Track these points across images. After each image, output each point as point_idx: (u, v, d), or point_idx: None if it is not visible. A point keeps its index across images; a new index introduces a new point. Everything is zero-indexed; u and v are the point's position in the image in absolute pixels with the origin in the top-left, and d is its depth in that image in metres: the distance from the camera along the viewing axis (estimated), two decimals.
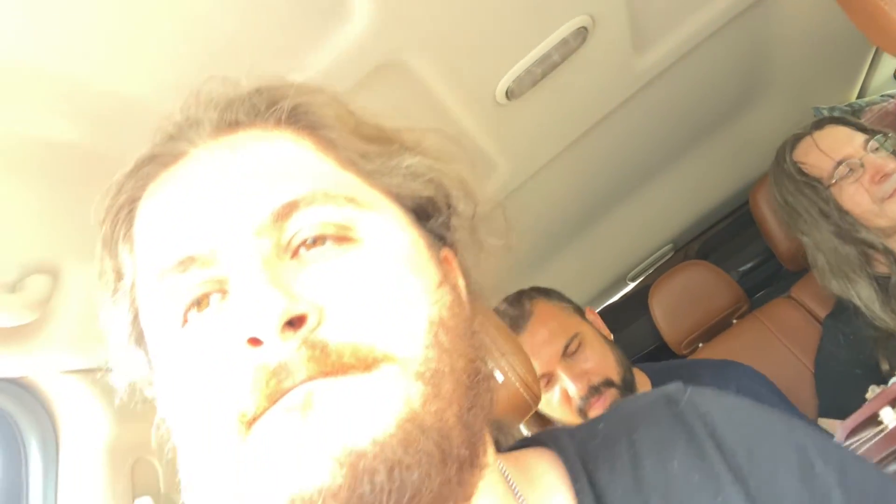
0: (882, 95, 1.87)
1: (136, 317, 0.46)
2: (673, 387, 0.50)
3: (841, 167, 1.35)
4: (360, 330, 0.38)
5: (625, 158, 1.74)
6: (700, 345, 1.90)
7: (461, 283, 0.49)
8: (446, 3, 0.89)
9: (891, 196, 1.30)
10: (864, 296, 1.36)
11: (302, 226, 0.41)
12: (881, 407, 0.76)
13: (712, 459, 0.44)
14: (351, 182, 0.45)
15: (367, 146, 0.47)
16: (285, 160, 0.45)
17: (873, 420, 0.77)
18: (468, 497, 0.39)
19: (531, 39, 1.07)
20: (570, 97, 1.30)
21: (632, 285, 2.41)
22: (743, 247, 2.12)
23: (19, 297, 0.67)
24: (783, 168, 1.46)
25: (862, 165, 1.33)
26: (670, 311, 1.91)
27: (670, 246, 2.31)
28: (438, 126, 1.14)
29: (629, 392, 1.33)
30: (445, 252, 0.50)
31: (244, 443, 0.37)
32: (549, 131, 1.39)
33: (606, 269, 2.23)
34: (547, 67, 1.14)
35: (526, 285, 1.50)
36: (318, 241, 0.41)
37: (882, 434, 0.74)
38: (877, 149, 1.33)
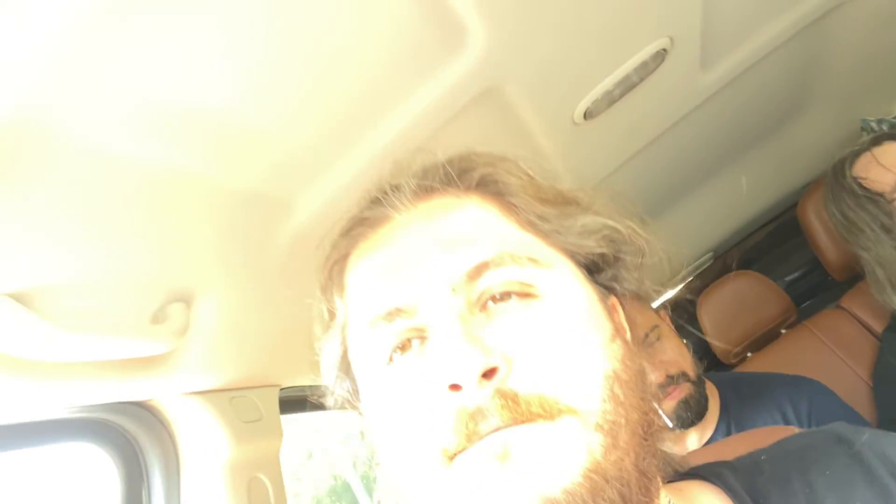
0: None
1: (345, 352, 0.53)
2: (841, 426, 0.52)
3: None
4: (544, 382, 0.43)
5: (676, 168, 1.76)
6: (749, 354, 1.92)
7: (627, 331, 0.52)
8: (547, 30, 0.91)
9: None
10: None
11: (491, 284, 0.47)
12: None
13: (863, 487, 0.46)
14: (531, 242, 0.50)
15: (545, 208, 0.52)
16: (475, 224, 0.50)
17: None
18: None
19: (615, 62, 1.09)
20: (638, 114, 1.32)
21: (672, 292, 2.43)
22: (788, 256, 2.14)
23: (165, 326, 0.69)
24: (842, 184, 1.47)
25: None
26: (719, 321, 1.93)
27: (710, 254, 2.33)
28: (518, 145, 1.17)
29: (702, 390, 1.34)
30: (613, 301, 0.53)
31: (448, 470, 0.43)
32: (613, 147, 1.41)
33: (651, 272, 2.25)
34: (626, 88, 1.16)
35: None
36: (504, 296, 0.47)
37: None
38: None
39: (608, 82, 1.12)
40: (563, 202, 0.53)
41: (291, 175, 0.83)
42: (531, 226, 0.51)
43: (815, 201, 1.72)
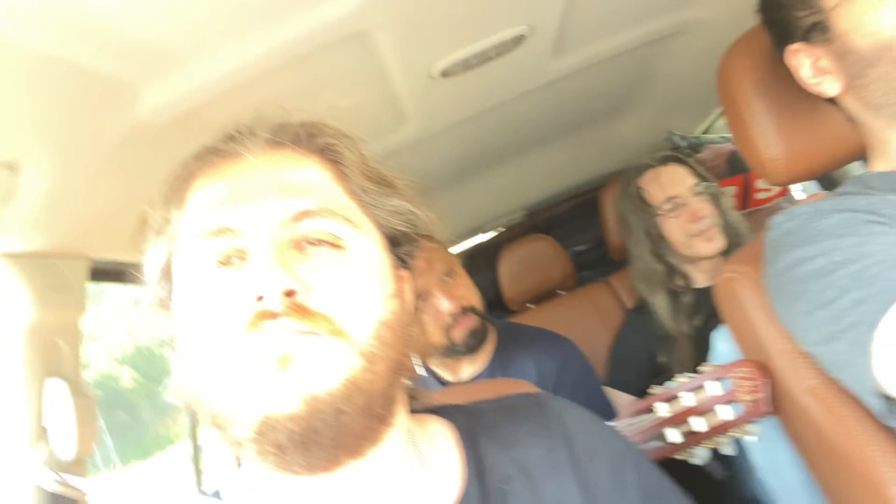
0: (722, 137, 2.24)
1: (170, 258, 0.61)
2: (543, 394, 0.71)
3: (669, 203, 1.66)
4: (332, 308, 0.55)
5: (512, 132, 1.93)
6: (530, 305, 2.23)
7: (409, 298, 0.66)
8: None
9: (698, 235, 1.64)
10: (659, 304, 1.72)
11: (310, 229, 0.57)
12: (657, 401, 1.06)
13: (560, 452, 0.65)
14: (351, 207, 0.62)
15: (368, 184, 0.64)
16: (310, 180, 0.61)
17: (649, 409, 1.06)
18: (377, 441, 0.58)
19: (478, 35, 1.19)
20: (488, 82, 1.44)
21: (485, 236, 2.68)
22: (583, 229, 2.46)
23: None
24: (629, 188, 1.74)
25: (685, 205, 1.65)
26: (513, 272, 2.20)
27: (524, 211, 2.60)
28: (376, 88, 1.24)
29: (486, 325, 1.56)
30: (403, 273, 0.67)
31: (245, 335, 0.53)
32: (461, 105, 1.53)
33: (473, 215, 2.46)
34: (482, 59, 1.28)
35: None
36: (318, 242, 0.57)
37: (654, 422, 1.04)
38: (699, 193, 1.64)
39: (468, 50, 1.22)
40: (384, 184, 0.65)
41: (142, 62, 0.83)
42: (354, 195, 0.62)
43: (613, 191, 2.01)
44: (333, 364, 0.53)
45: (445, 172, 2.00)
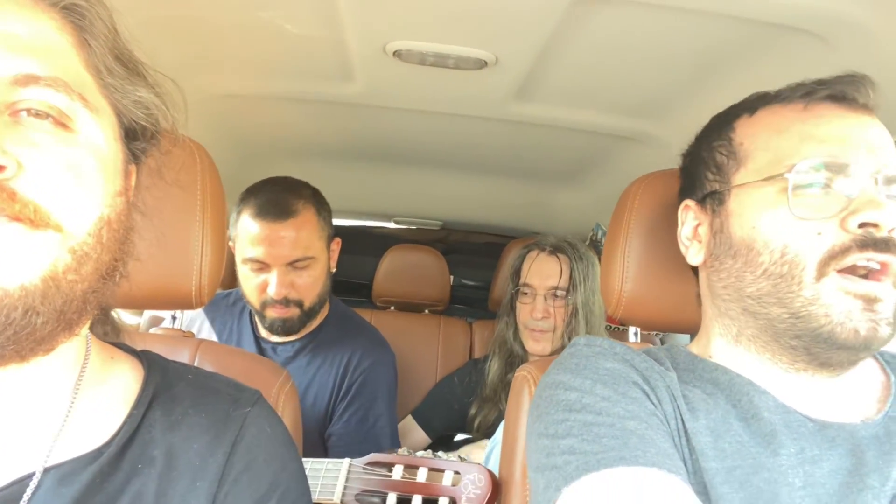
0: None
1: None
2: (252, 397, 0.65)
3: (526, 287, 1.66)
4: (46, 195, 0.48)
5: (456, 145, 1.89)
6: (392, 308, 2.21)
7: (130, 195, 0.60)
8: None
9: (531, 330, 1.64)
10: (493, 366, 1.73)
11: (34, 97, 0.48)
12: (399, 463, 1.03)
13: (217, 457, 0.58)
14: (89, 84, 0.54)
15: (115, 64, 0.56)
16: (42, 38, 0.51)
17: (390, 465, 1.04)
18: (51, 349, 0.52)
19: (443, 36, 1.16)
20: (444, 87, 1.41)
21: (392, 226, 2.65)
22: (480, 268, 2.46)
23: None
24: (516, 261, 1.74)
25: (534, 298, 1.64)
26: (392, 272, 2.18)
27: (441, 223, 2.58)
28: (330, 34, 1.19)
29: (311, 316, 1.50)
30: (132, 168, 0.60)
31: None
32: (411, 93, 1.49)
33: (387, 201, 2.42)
34: (439, 62, 1.24)
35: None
36: (41, 115, 0.49)
37: (384, 479, 1.02)
38: (556, 297, 1.64)
39: (428, 46, 1.19)
40: (134, 70, 0.58)
41: None
42: (96, 71, 0.54)
43: (517, 247, 2.01)
44: (35, 257, 0.47)
45: (378, 147, 1.96)
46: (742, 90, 0.81)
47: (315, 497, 1.13)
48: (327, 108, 1.64)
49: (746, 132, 0.74)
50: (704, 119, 0.84)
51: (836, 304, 0.64)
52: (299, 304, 1.46)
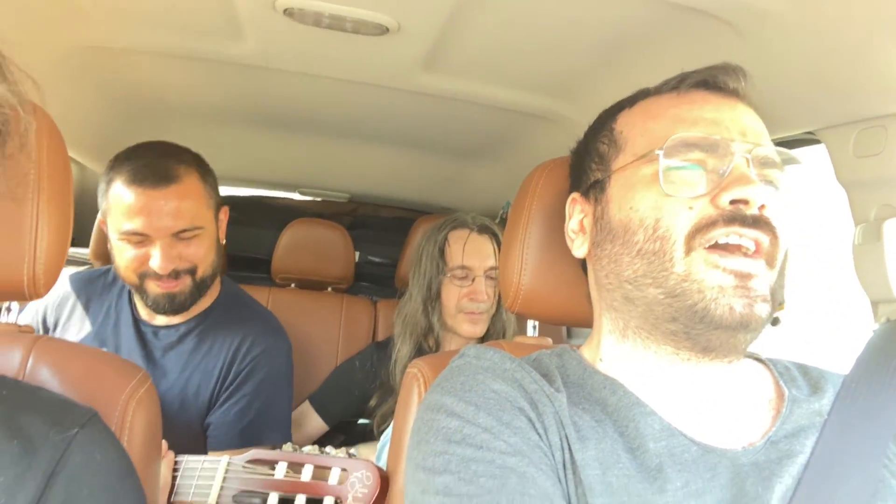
0: None
1: None
2: (77, 413, 0.57)
3: (462, 270, 1.61)
4: None
5: (361, 115, 1.78)
6: (293, 285, 2.09)
7: None
8: None
9: (468, 313, 1.60)
10: (402, 352, 1.65)
11: None
12: (283, 460, 0.95)
13: (33, 487, 0.52)
14: None
15: None
16: None
17: (272, 464, 0.96)
18: None
19: None
20: (344, 51, 1.30)
21: (298, 197, 2.51)
22: (387, 244, 2.37)
23: None
24: (436, 235, 1.67)
25: (472, 281, 1.60)
26: (293, 247, 2.05)
27: (349, 195, 2.46)
28: None
29: (202, 289, 1.36)
30: None
31: None
32: (306, 55, 1.37)
33: (287, 170, 2.28)
34: (335, 24, 1.13)
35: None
36: None
37: (266, 479, 0.94)
38: (491, 278, 1.60)
39: (323, 6, 1.07)
40: None
41: None
42: None
43: (426, 224, 1.94)
44: None
45: (278, 113, 1.82)
46: (652, 73, 0.78)
47: (189, 498, 1.04)
48: (218, 67, 1.48)
49: (626, 122, 0.75)
50: (615, 101, 0.81)
51: (707, 279, 0.63)
52: (191, 271, 1.31)
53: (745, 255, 0.64)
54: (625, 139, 0.74)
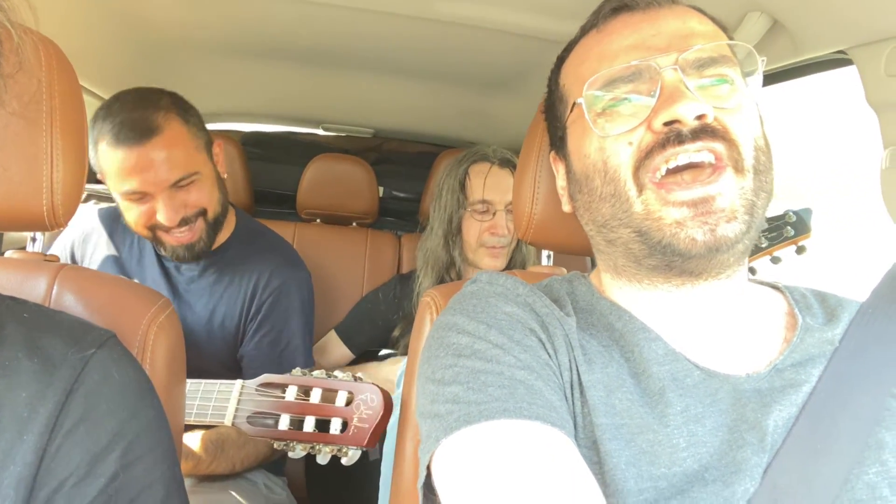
0: None
1: None
2: (95, 334, 0.59)
3: (482, 205, 1.60)
4: None
5: (381, 47, 1.74)
6: (318, 221, 2.11)
7: None
8: None
9: (489, 247, 1.60)
10: (424, 285, 1.68)
11: None
12: (293, 384, 0.99)
13: (53, 402, 0.54)
14: None
15: None
16: None
17: (283, 387, 1.01)
18: None
19: None
20: None
21: (323, 132, 2.50)
22: (412, 179, 2.36)
23: None
24: (457, 169, 1.66)
25: (493, 215, 1.60)
26: (317, 182, 2.06)
27: (373, 131, 2.45)
28: None
29: (217, 228, 1.39)
30: None
31: None
32: None
33: (309, 105, 2.26)
34: None
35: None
36: None
37: (277, 402, 0.99)
38: (511, 211, 1.59)
39: None
40: None
41: None
42: None
43: (449, 158, 1.92)
44: None
45: (301, 47, 1.79)
46: None
47: (207, 419, 1.09)
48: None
49: (566, 72, 0.75)
50: None
51: (664, 216, 0.62)
52: (201, 213, 1.33)
53: (699, 177, 0.61)
54: (567, 91, 0.74)
